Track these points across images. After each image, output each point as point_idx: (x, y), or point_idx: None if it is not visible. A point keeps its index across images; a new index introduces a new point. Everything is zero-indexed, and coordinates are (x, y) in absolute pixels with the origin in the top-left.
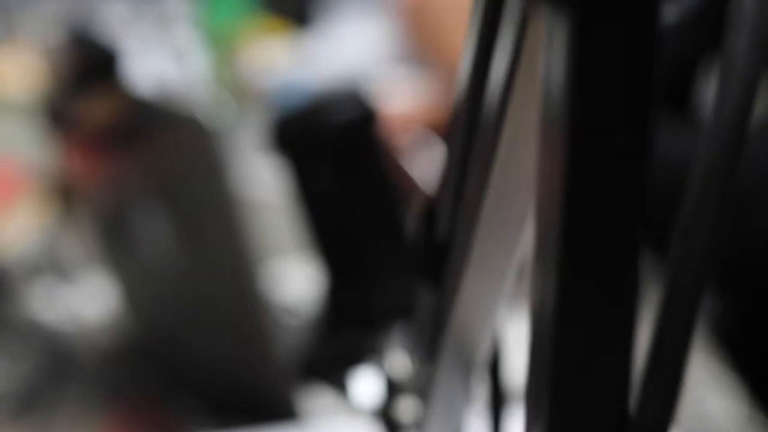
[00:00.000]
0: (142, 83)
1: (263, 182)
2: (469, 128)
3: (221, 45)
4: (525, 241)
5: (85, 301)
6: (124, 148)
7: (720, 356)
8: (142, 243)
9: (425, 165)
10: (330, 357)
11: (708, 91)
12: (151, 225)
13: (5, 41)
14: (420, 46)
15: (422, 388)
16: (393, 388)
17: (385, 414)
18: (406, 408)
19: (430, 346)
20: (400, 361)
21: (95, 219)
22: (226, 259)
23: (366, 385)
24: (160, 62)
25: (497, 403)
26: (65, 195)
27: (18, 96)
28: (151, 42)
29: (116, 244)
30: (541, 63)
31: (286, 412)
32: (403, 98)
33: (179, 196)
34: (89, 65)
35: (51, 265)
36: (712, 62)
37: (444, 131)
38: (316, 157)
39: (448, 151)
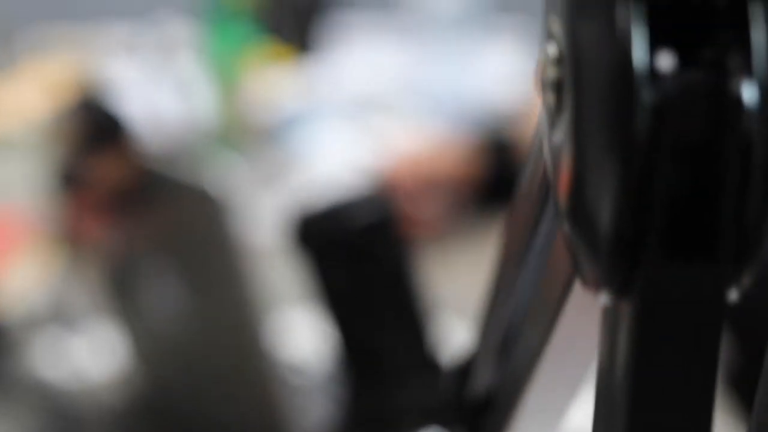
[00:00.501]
0: (144, 118)
1: (267, 223)
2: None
3: (225, 73)
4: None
5: (91, 357)
6: (131, 210)
7: None
8: (148, 299)
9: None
10: None
11: None
12: (159, 281)
13: (6, 71)
14: None
15: None
16: None
17: None
18: None
19: None
20: None
21: (102, 273)
22: (232, 318)
23: None
24: (162, 93)
25: None
26: (71, 246)
27: (20, 132)
28: (152, 71)
29: (123, 298)
30: (600, 339)
31: None
32: (412, 136)
33: (186, 257)
34: (97, 130)
35: (56, 319)
36: None
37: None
38: (335, 258)
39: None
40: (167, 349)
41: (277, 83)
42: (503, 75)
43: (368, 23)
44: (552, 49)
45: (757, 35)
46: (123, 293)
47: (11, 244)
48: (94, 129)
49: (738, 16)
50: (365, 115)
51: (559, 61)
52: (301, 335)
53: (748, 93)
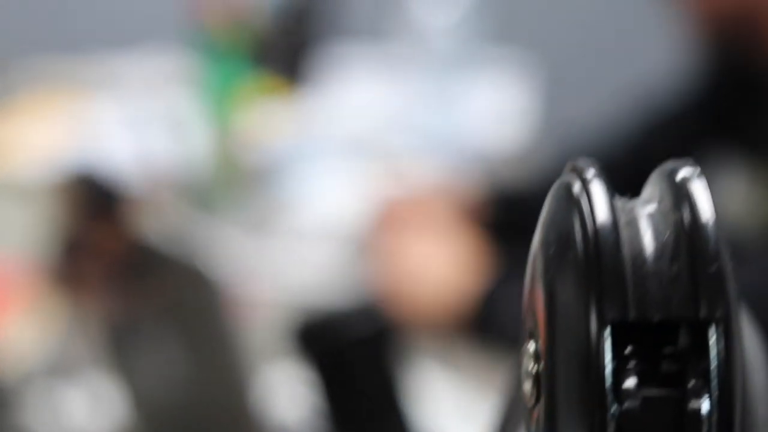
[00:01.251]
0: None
1: (258, 271)
2: None
3: (217, 109)
4: None
5: (88, 414)
6: (126, 280)
7: None
8: (144, 361)
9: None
10: None
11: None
12: (153, 346)
13: (3, 104)
14: None
15: None
16: None
17: None
18: None
19: None
20: None
21: (101, 333)
22: (224, 381)
23: None
24: (153, 129)
25: None
26: (71, 303)
27: (18, 173)
28: (144, 107)
29: (120, 359)
30: None
31: None
32: (418, 175)
33: (179, 327)
34: (92, 204)
35: (54, 375)
36: (716, 158)
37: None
38: (332, 365)
39: None
40: (162, 409)
41: (270, 119)
42: (497, 110)
43: (362, 56)
44: (531, 346)
45: (714, 354)
46: (120, 354)
47: (9, 296)
48: (90, 203)
49: (697, 338)
50: (359, 154)
51: (537, 357)
52: (287, 394)
53: (706, 407)
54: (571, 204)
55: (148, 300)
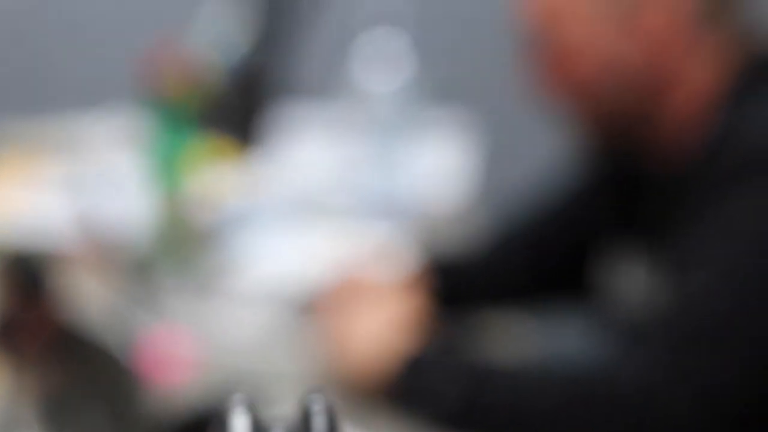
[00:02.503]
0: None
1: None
2: None
3: (166, 171)
4: None
5: None
6: (54, 359)
7: None
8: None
9: None
10: None
11: (613, 273)
12: (79, 418)
13: None
14: None
15: None
16: None
17: None
18: None
19: None
20: None
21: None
22: None
23: None
24: (103, 191)
25: None
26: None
27: None
28: (94, 169)
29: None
30: None
31: None
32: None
33: (99, 403)
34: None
35: None
36: (610, 244)
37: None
38: None
39: None
40: None
41: (219, 181)
42: (439, 170)
43: (309, 118)
44: None
45: None
46: (54, 422)
47: None
48: (21, 286)
49: None
50: (305, 216)
51: None
52: None
53: None
54: None
55: (72, 379)
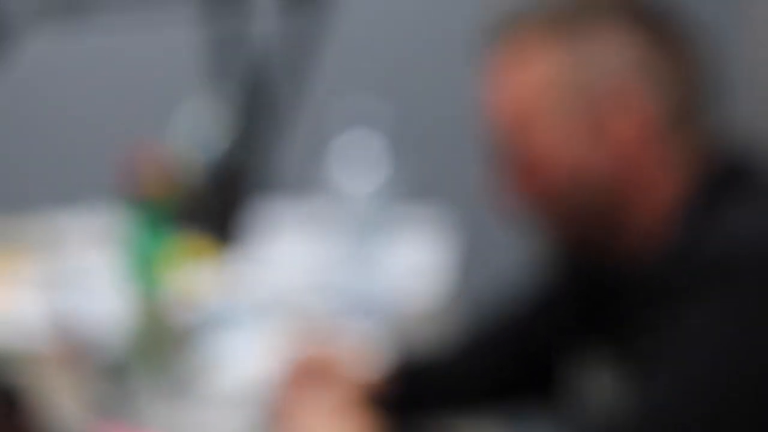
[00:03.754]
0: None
1: None
2: None
3: (144, 269)
4: None
5: None
6: None
7: None
8: None
9: None
10: None
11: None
12: None
13: None
14: None
15: None
16: None
17: None
18: None
19: None
20: None
21: None
22: None
23: None
24: (80, 289)
25: None
26: None
27: None
28: (69, 268)
29: None
30: None
31: None
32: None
33: None
34: None
35: None
36: (578, 348)
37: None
38: None
39: None
40: None
41: (197, 280)
42: (416, 268)
43: (286, 217)
44: None
45: None
46: None
47: None
48: None
49: None
50: (281, 316)
51: None
52: None
53: None
54: None
55: None
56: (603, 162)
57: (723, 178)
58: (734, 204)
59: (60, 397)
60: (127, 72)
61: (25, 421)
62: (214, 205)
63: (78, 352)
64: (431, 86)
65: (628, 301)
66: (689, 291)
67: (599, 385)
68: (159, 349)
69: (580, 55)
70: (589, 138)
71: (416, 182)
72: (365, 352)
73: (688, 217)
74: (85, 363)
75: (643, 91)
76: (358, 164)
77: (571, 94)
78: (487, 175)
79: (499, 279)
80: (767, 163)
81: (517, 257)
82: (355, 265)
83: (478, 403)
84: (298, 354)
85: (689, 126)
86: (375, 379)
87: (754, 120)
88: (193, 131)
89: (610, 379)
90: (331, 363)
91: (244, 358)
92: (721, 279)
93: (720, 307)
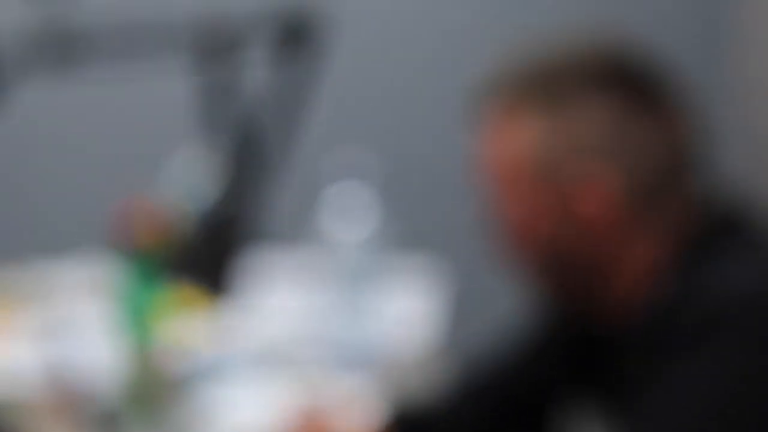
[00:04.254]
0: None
1: None
2: None
3: (137, 319)
4: None
5: None
6: None
7: None
8: None
9: None
10: None
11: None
12: None
13: None
14: None
15: None
16: None
17: None
18: None
19: None
20: None
21: None
22: None
23: None
24: (74, 339)
25: None
26: None
27: None
28: (62, 318)
29: None
30: None
31: None
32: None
33: None
34: None
35: None
36: (568, 400)
37: None
38: None
39: None
40: None
41: (189, 330)
42: (407, 317)
43: (278, 266)
44: None
45: None
46: None
47: None
48: None
49: None
50: (274, 366)
51: None
52: None
53: None
54: None
55: None
56: (574, 237)
57: (712, 234)
58: (723, 259)
59: None
60: (119, 122)
61: None
62: (206, 255)
63: (72, 402)
64: (420, 138)
65: (616, 355)
66: (677, 347)
67: None
68: (152, 399)
69: (551, 129)
70: (559, 213)
71: (406, 232)
72: (359, 404)
73: (676, 274)
74: (78, 413)
75: (614, 166)
76: (349, 214)
77: (542, 169)
78: (477, 226)
79: (489, 328)
80: (759, 217)
81: (506, 306)
82: (346, 314)
83: None
84: (293, 409)
85: (673, 187)
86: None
87: (747, 172)
88: (185, 181)
89: (599, 430)
90: (327, 417)
91: (237, 408)
92: (707, 335)
93: (707, 363)
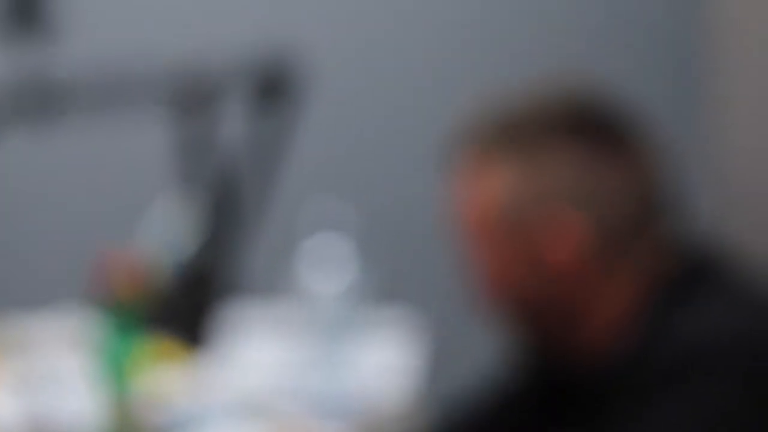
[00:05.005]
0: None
1: None
2: None
3: (115, 371)
4: None
5: None
6: None
7: None
8: None
9: None
10: None
11: None
12: None
13: None
14: None
15: None
16: None
17: None
18: None
19: None
20: None
21: None
22: None
23: None
24: (50, 394)
25: None
26: None
27: None
28: (40, 370)
29: None
30: None
31: None
32: None
33: None
34: None
35: None
36: None
37: None
38: None
39: None
40: None
41: (167, 383)
42: (385, 370)
43: (256, 319)
44: None
45: None
46: None
47: None
48: None
49: None
50: (252, 418)
51: None
52: None
53: None
54: None
55: None
56: (546, 282)
57: (684, 278)
58: (695, 303)
59: None
60: (97, 174)
61: None
62: (183, 308)
63: None
64: (397, 190)
65: (591, 399)
66: (649, 390)
67: None
68: None
69: (521, 178)
70: (530, 260)
71: (384, 284)
72: None
73: (648, 318)
74: None
75: (584, 213)
76: (326, 266)
77: (512, 217)
78: (454, 277)
79: (466, 379)
80: (731, 260)
81: (483, 357)
82: (324, 367)
83: None
84: None
85: (644, 232)
86: None
87: (719, 216)
88: (162, 233)
89: None
90: None
91: None
92: (679, 377)
93: (678, 405)
